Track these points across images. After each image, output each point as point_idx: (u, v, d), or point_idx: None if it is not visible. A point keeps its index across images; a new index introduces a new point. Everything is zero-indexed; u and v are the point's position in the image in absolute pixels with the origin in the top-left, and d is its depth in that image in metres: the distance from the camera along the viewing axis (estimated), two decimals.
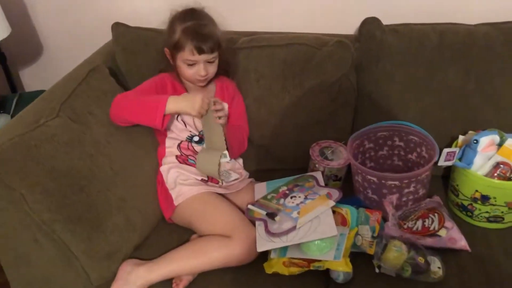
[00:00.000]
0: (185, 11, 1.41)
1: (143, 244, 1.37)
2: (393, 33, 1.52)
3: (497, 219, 1.34)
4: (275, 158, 1.62)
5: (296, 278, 1.24)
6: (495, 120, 1.46)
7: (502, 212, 1.32)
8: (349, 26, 1.66)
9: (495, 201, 1.30)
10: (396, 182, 1.31)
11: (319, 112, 1.54)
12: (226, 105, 1.47)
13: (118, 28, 1.62)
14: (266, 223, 1.29)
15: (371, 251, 1.25)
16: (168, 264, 1.26)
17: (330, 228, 1.22)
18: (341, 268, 1.20)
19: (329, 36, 1.55)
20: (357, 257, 1.25)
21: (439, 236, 1.27)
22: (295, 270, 1.24)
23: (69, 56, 1.76)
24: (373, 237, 1.27)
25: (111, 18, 1.64)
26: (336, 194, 1.32)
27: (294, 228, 1.24)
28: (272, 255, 1.26)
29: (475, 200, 1.33)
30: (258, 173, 1.58)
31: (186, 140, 1.46)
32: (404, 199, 1.34)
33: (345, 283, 1.22)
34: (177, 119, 1.45)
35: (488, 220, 1.35)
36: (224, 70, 1.50)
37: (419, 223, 1.30)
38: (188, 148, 1.46)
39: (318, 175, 1.44)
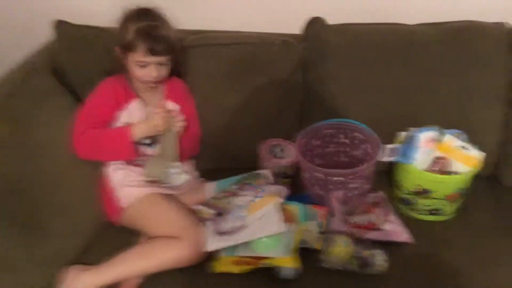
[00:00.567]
0: (139, 11, 1.37)
1: (89, 249, 1.33)
2: (337, 33, 1.56)
3: (438, 211, 1.39)
4: (225, 157, 1.62)
5: (245, 276, 1.24)
6: (434, 117, 1.51)
7: (442, 205, 1.38)
8: (294, 25, 1.67)
9: (435, 194, 1.36)
10: (342, 178, 1.34)
11: (267, 111, 1.56)
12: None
13: (61, 25, 1.56)
14: (215, 222, 1.29)
15: (318, 246, 1.27)
16: (116, 268, 1.24)
17: (279, 225, 1.24)
18: (290, 264, 1.22)
19: (275, 36, 1.57)
20: (305, 252, 1.27)
21: (383, 229, 1.31)
22: (244, 268, 1.24)
23: (5, 55, 1.67)
24: (320, 232, 1.30)
25: (53, 15, 1.58)
26: (284, 191, 1.34)
27: (243, 226, 1.25)
28: (221, 254, 1.26)
29: (416, 194, 1.38)
30: (208, 173, 1.57)
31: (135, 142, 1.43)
32: (349, 194, 1.38)
33: (293, 279, 1.23)
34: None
35: (430, 213, 1.40)
36: (174, 70, 1.47)
37: (364, 217, 1.34)
38: (137, 150, 1.43)
39: (267, 173, 1.45)
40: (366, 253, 1.22)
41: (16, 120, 1.25)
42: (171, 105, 1.49)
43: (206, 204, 1.37)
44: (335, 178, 1.34)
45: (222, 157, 1.62)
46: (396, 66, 1.52)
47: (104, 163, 1.44)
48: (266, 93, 1.53)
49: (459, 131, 1.46)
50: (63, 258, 1.25)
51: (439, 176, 1.34)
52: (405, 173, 1.40)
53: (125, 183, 1.38)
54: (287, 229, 1.26)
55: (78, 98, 1.53)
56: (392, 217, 1.33)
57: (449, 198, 1.36)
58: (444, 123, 1.48)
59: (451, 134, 1.41)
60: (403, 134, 1.48)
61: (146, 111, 1.42)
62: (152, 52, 1.32)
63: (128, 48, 1.34)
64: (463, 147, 1.36)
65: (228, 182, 1.45)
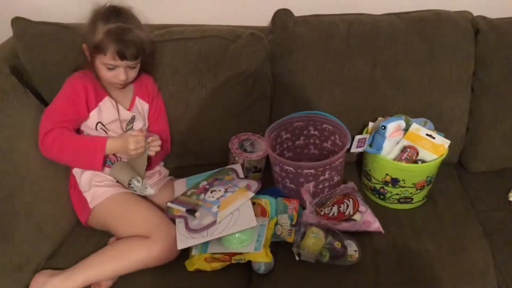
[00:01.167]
0: (109, 10, 1.29)
1: (58, 252, 1.30)
2: (305, 24, 1.55)
3: (407, 200, 1.42)
4: (194, 154, 1.60)
5: (218, 273, 1.24)
6: (401, 106, 1.54)
7: (411, 193, 1.40)
8: (262, 18, 1.66)
9: (404, 183, 1.38)
10: (312, 171, 1.34)
11: (236, 105, 1.54)
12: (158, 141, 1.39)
13: (19, 23, 1.50)
14: (186, 220, 1.28)
15: (290, 239, 1.28)
16: (86, 271, 1.21)
17: (250, 220, 1.23)
18: (262, 259, 1.22)
19: (242, 28, 1.55)
20: (278, 246, 1.28)
21: (354, 220, 1.33)
22: (217, 265, 1.23)
23: None
24: (291, 225, 1.30)
25: (10, 12, 1.52)
26: (255, 185, 1.33)
27: (214, 222, 1.24)
28: (194, 252, 1.25)
29: (386, 183, 1.40)
30: (177, 170, 1.55)
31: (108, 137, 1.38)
32: (320, 186, 1.39)
33: (266, 273, 1.24)
34: (96, 128, 1.36)
35: (399, 201, 1.42)
36: (144, 67, 1.42)
37: (335, 209, 1.35)
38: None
39: (238, 168, 1.44)
40: (337, 244, 1.23)
41: None
42: (140, 102, 1.46)
43: (176, 201, 1.36)
44: (305, 171, 1.34)
45: (192, 153, 1.60)
46: (363, 57, 1.52)
47: None
48: (235, 87, 1.52)
49: (425, 119, 1.48)
50: (31, 263, 1.21)
51: (407, 165, 1.36)
52: (374, 163, 1.41)
53: (93, 183, 1.35)
54: (259, 224, 1.26)
55: (39, 96, 1.48)
56: (363, 207, 1.35)
57: (417, 186, 1.38)
58: (411, 112, 1.51)
59: (418, 122, 1.43)
60: (371, 124, 1.49)
61: (124, 134, 1.36)
62: (122, 56, 1.27)
63: (96, 49, 1.27)
64: (429, 135, 1.38)
65: (199, 179, 1.43)
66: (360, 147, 1.41)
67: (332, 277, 1.22)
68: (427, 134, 1.38)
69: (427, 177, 1.38)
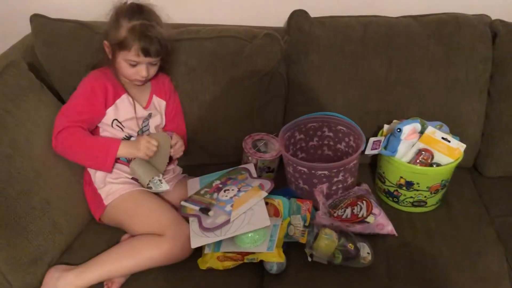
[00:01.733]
0: (132, 7, 1.31)
1: (71, 248, 1.31)
2: (320, 26, 1.55)
3: (421, 203, 1.41)
4: (208, 152, 1.60)
5: (230, 272, 1.23)
6: (416, 109, 1.53)
7: (425, 196, 1.39)
8: (278, 18, 1.66)
9: (419, 186, 1.37)
10: (326, 172, 1.34)
11: (250, 105, 1.54)
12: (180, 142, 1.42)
13: (37, 20, 1.52)
14: (200, 218, 1.28)
15: (303, 240, 1.28)
16: (99, 268, 1.22)
17: (263, 219, 1.23)
18: (275, 259, 1.22)
19: (258, 29, 1.55)
20: (290, 247, 1.28)
21: (368, 222, 1.32)
22: (229, 264, 1.23)
23: None
24: (304, 226, 1.30)
25: (29, 9, 1.54)
26: (268, 184, 1.33)
27: (228, 221, 1.24)
28: (206, 251, 1.26)
29: (400, 186, 1.39)
30: (191, 168, 1.55)
31: (122, 140, 1.38)
32: (333, 188, 1.38)
33: (279, 273, 1.23)
34: (112, 125, 1.37)
35: (413, 204, 1.41)
36: (162, 66, 1.43)
37: (348, 210, 1.34)
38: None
39: (251, 167, 1.44)
40: (350, 246, 1.22)
41: None
42: (158, 101, 1.47)
43: (190, 200, 1.36)
44: (319, 172, 1.34)
45: (205, 152, 1.60)
46: (379, 59, 1.52)
47: None
48: (250, 87, 1.52)
49: (440, 123, 1.47)
50: (45, 258, 1.22)
51: (422, 168, 1.35)
52: (389, 165, 1.40)
53: (108, 180, 1.35)
54: (272, 224, 1.26)
55: (56, 93, 1.50)
56: (376, 210, 1.34)
57: (432, 190, 1.37)
58: (426, 115, 1.50)
59: (433, 126, 1.41)
60: (386, 126, 1.48)
61: (138, 137, 1.37)
62: (146, 53, 1.28)
63: (120, 46, 1.29)
64: (445, 138, 1.37)
65: (212, 178, 1.44)
66: (375, 149, 1.40)
67: (345, 279, 1.22)
68: (442, 138, 1.37)
69: (442, 180, 1.37)
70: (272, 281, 1.23)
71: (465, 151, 1.37)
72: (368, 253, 1.24)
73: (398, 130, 1.36)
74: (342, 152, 1.53)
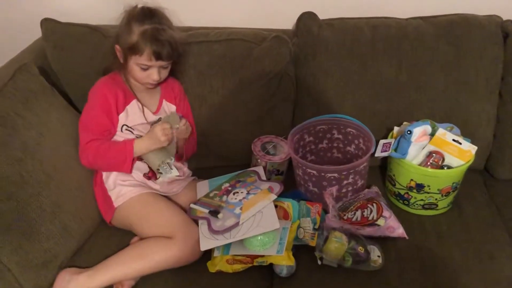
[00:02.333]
0: (143, 11, 1.31)
1: (82, 250, 1.32)
2: (329, 28, 1.54)
3: (431, 206, 1.39)
4: (217, 155, 1.60)
5: (240, 275, 1.23)
6: (427, 111, 1.52)
7: (436, 199, 1.38)
8: (286, 21, 1.66)
9: (429, 189, 1.35)
10: (335, 174, 1.33)
11: (259, 107, 1.54)
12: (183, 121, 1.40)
13: (48, 24, 1.54)
14: (209, 221, 1.28)
15: (313, 243, 1.27)
16: (109, 270, 1.22)
17: (273, 222, 1.23)
18: (284, 262, 1.21)
19: (267, 31, 1.56)
20: (300, 250, 1.27)
21: (378, 225, 1.31)
22: (238, 267, 1.23)
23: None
24: (314, 229, 1.29)
25: (40, 14, 1.56)
26: (277, 187, 1.33)
27: (237, 224, 1.24)
28: (216, 254, 1.25)
29: (410, 188, 1.38)
30: (200, 171, 1.55)
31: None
32: (343, 190, 1.37)
33: (288, 276, 1.23)
34: (121, 130, 1.37)
35: (423, 207, 1.40)
36: (172, 70, 1.43)
37: (358, 213, 1.33)
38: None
39: (260, 170, 1.44)
40: (360, 249, 1.22)
41: (3, 121, 1.22)
42: (167, 105, 1.47)
43: (199, 202, 1.36)
44: (329, 175, 1.33)
45: (214, 155, 1.60)
46: (388, 60, 1.51)
47: None
48: (258, 90, 1.52)
49: (451, 125, 1.46)
50: (56, 261, 1.23)
51: (432, 171, 1.34)
52: (399, 168, 1.39)
53: (118, 182, 1.36)
54: (281, 227, 1.25)
55: (66, 96, 1.51)
56: (387, 213, 1.33)
57: (442, 192, 1.36)
58: (437, 117, 1.49)
59: (444, 127, 1.40)
60: (396, 128, 1.47)
61: (150, 130, 1.37)
62: (158, 56, 1.29)
63: (132, 50, 1.29)
64: (456, 140, 1.35)
65: (221, 180, 1.44)
66: (385, 151, 1.39)
67: (355, 282, 1.21)
68: (453, 140, 1.35)
69: (453, 183, 1.36)
70: (282, 284, 1.23)
71: (476, 153, 1.36)
72: (378, 256, 1.23)
73: (409, 132, 1.35)
74: (352, 154, 1.52)
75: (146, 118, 1.40)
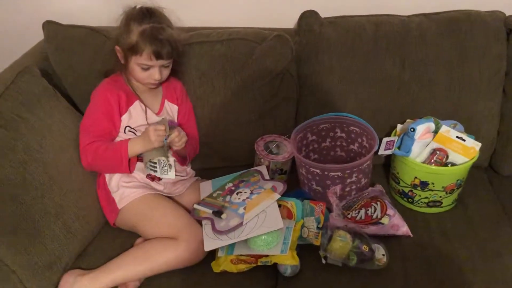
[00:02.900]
0: (142, 11, 1.31)
1: (86, 252, 1.32)
2: (331, 26, 1.54)
3: (436, 203, 1.39)
4: (220, 155, 1.60)
5: (244, 275, 1.23)
6: (430, 108, 1.51)
7: (440, 196, 1.37)
8: (288, 19, 1.66)
9: (433, 186, 1.35)
10: (339, 173, 1.33)
11: (262, 107, 1.54)
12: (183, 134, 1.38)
13: (50, 26, 1.54)
14: (212, 221, 1.28)
15: (317, 242, 1.27)
16: (113, 272, 1.23)
17: (276, 221, 1.22)
18: (288, 261, 1.21)
19: (268, 30, 1.55)
20: (304, 249, 1.26)
21: (382, 223, 1.30)
22: (243, 267, 1.23)
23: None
24: (318, 228, 1.29)
25: (42, 16, 1.56)
26: (280, 186, 1.33)
27: (241, 224, 1.24)
28: (220, 254, 1.25)
29: (414, 186, 1.37)
30: (203, 171, 1.56)
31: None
32: (347, 189, 1.37)
33: (293, 276, 1.23)
34: (124, 131, 1.38)
35: (428, 205, 1.39)
36: (174, 70, 1.42)
37: (362, 212, 1.33)
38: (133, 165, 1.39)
39: (263, 169, 1.44)
40: (365, 248, 1.21)
41: (6, 124, 1.22)
42: (169, 106, 1.47)
43: (202, 203, 1.36)
44: (332, 173, 1.33)
45: (217, 155, 1.60)
46: (391, 58, 1.50)
47: None
48: (261, 89, 1.51)
49: (455, 122, 1.45)
50: (60, 263, 1.23)
51: (436, 168, 1.33)
52: (403, 166, 1.39)
53: (121, 184, 1.36)
54: (285, 226, 1.25)
55: (69, 98, 1.51)
56: (391, 211, 1.32)
57: (447, 190, 1.35)
58: (440, 114, 1.49)
59: (447, 125, 1.40)
60: (399, 126, 1.47)
61: (144, 131, 1.36)
62: (158, 56, 1.29)
63: (131, 50, 1.29)
64: (460, 137, 1.35)
65: (224, 180, 1.44)
66: (388, 149, 1.38)
67: (360, 281, 1.21)
68: (457, 137, 1.35)
69: (457, 180, 1.35)
70: (286, 283, 1.22)
71: (480, 150, 1.35)
72: (383, 254, 1.23)
73: (412, 129, 1.35)
74: (355, 153, 1.51)
75: (148, 118, 1.40)
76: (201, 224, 1.30)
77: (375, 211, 1.32)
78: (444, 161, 1.35)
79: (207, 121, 1.54)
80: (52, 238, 1.21)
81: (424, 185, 1.35)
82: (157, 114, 1.43)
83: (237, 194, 1.35)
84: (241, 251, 1.23)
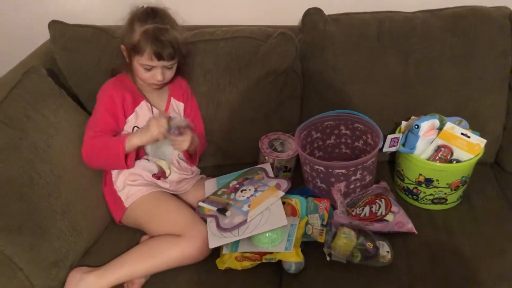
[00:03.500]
0: (147, 11, 1.31)
1: (92, 249, 1.33)
2: (335, 23, 1.54)
3: (441, 200, 1.38)
4: (224, 153, 1.61)
5: (249, 272, 1.24)
6: (435, 105, 1.50)
7: (445, 193, 1.36)
8: (292, 17, 1.66)
9: (438, 183, 1.34)
10: (343, 170, 1.33)
11: (266, 104, 1.54)
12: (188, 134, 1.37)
13: (56, 26, 1.55)
14: (217, 219, 1.29)
15: (321, 239, 1.27)
16: (119, 269, 1.23)
17: (281, 219, 1.23)
18: (293, 258, 1.21)
19: (273, 28, 1.55)
20: (308, 246, 1.27)
21: (387, 220, 1.30)
22: (247, 264, 1.24)
23: (4, 59, 1.66)
24: (322, 225, 1.29)
25: (48, 16, 1.57)
26: (285, 184, 1.33)
27: (245, 221, 1.25)
28: (224, 251, 1.26)
29: (419, 183, 1.37)
30: (208, 169, 1.57)
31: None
32: (351, 186, 1.37)
33: (297, 273, 1.23)
34: (133, 131, 1.38)
35: (433, 202, 1.39)
36: (179, 70, 1.43)
37: (367, 209, 1.33)
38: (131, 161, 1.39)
39: (267, 167, 1.44)
40: (369, 245, 1.21)
41: (13, 123, 1.23)
42: (176, 103, 1.48)
43: (207, 200, 1.37)
44: (336, 171, 1.33)
45: (222, 153, 1.61)
46: (395, 55, 1.50)
47: None
48: (265, 87, 1.52)
49: (460, 118, 1.44)
50: (66, 260, 1.24)
51: (441, 165, 1.33)
52: (408, 162, 1.38)
53: (127, 182, 1.37)
54: (289, 223, 1.26)
55: (75, 98, 1.52)
56: (396, 208, 1.32)
57: (451, 187, 1.35)
58: (445, 111, 1.48)
59: (452, 121, 1.39)
60: (404, 123, 1.46)
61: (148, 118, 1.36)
62: (159, 56, 1.29)
63: (134, 50, 1.30)
64: (464, 134, 1.34)
65: (229, 178, 1.44)
66: (393, 146, 1.38)
67: (364, 278, 1.21)
68: (462, 133, 1.34)
69: (462, 177, 1.35)
70: (291, 280, 1.23)
71: (486, 146, 1.34)
72: (387, 251, 1.23)
73: (416, 126, 1.34)
74: (359, 150, 1.51)
75: None
76: (205, 221, 1.31)
77: (379, 208, 1.32)
78: (448, 158, 1.34)
79: (212, 119, 1.54)
80: (59, 236, 1.23)
81: (428, 182, 1.35)
82: (164, 112, 1.44)
83: (241, 191, 1.36)
84: (246, 248, 1.24)
